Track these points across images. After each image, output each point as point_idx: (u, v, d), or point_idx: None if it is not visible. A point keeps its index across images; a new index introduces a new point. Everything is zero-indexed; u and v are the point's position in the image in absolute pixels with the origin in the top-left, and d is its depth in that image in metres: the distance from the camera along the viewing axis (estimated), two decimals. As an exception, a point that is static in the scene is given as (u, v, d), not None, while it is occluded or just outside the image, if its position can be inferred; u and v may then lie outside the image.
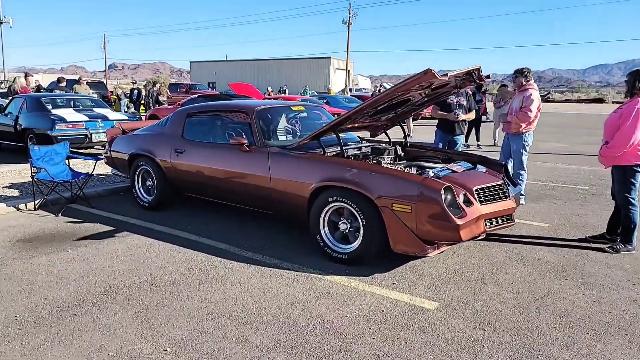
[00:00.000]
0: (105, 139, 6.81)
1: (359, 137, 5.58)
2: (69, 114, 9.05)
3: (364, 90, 34.74)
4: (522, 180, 6.07)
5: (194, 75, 54.04)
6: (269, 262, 4.03)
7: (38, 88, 13.85)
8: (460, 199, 3.74)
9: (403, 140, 5.21)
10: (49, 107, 9.26)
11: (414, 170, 4.43)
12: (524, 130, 5.83)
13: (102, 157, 6.08)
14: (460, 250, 4.33)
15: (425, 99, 4.70)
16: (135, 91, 18.18)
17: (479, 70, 4.10)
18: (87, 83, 20.67)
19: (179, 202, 5.72)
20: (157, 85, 15.97)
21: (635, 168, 4.22)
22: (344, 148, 4.64)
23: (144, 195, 5.67)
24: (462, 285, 3.59)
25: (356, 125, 4.70)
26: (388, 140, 5.25)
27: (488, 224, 3.87)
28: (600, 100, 56.19)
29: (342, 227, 4.00)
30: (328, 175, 4.01)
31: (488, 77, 4.67)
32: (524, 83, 5.77)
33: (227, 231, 4.82)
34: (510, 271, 3.88)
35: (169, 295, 3.37)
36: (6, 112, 10.01)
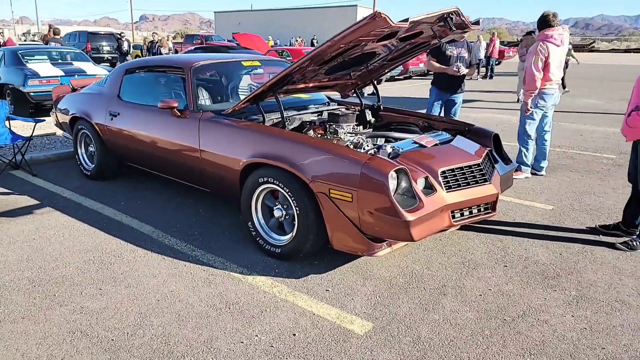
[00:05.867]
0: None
1: (329, 98, 4.70)
2: (44, 68, 8.40)
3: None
4: (525, 151, 5.13)
5: (219, 27, 52.61)
6: (190, 253, 3.32)
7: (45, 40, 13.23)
8: (419, 185, 2.89)
9: (376, 103, 4.31)
10: (25, 60, 8.63)
11: (379, 142, 3.58)
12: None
13: (42, 119, 5.42)
14: (430, 242, 3.50)
15: (400, 51, 3.76)
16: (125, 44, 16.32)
17: (456, 14, 3.12)
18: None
19: (131, 172, 5.04)
20: (155, 37, 15.09)
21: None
22: (296, 114, 3.83)
23: (87, 162, 5.01)
24: (415, 296, 2.80)
25: (311, 85, 3.82)
26: (360, 102, 4.35)
27: (458, 215, 3.02)
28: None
29: (277, 213, 3.23)
30: (259, 150, 3.21)
31: (477, 23, 3.69)
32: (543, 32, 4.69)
33: (162, 211, 4.12)
34: (485, 275, 3.05)
35: (41, 301, 2.71)
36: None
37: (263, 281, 2.95)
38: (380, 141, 3.68)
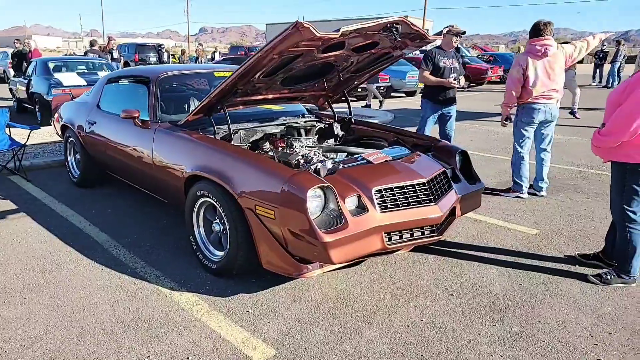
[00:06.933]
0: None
1: (308, 109, 4.58)
2: (69, 78, 8.79)
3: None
4: (518, 169, 4.78)
5: (269, 38, 53.72)
6: (131, 265, 3.28)
7: (111, 51, 13.99)
8: (351, 204, 2.71)
9: (347, 116, 4.15)
10: (53, 70, 9.06)
11: (337, 157, 3.44)
12: (518, 103, 4.55)
13: (37, 126, 5.60)
14: (381, 264, 3.29)
15: (362, 62, 3.60)
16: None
17: (405, 24, 2.92)
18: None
19: (115, 181, 5.11)
20: (199, 48, 15.58)
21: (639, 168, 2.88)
22: (259, 126, 3.76)
23: (75, 169, 5.13)
24: (337, 323, 2.61)
25: (270, 97, 3.71)
26: (332, 114, 4.21)
27: (396, 237, 2.81)
28: None
29: (216, 228, 3.13)
30: (198, 162, 3.14)
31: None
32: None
33: (127, 220, 4.12)
34: (424, 304, 2.81)
35: (-36, 307, 2.74)
36: (26, 75, 10.06)
37: (188, 298, 2.86)
38: (341, 156, 3.53)
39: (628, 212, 2.95)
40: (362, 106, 12.32)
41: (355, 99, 13.16)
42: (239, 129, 3.61)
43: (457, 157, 3.48)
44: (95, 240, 3.68)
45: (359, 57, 3.45)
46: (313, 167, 2.98)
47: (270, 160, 2.89)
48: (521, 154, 4.72)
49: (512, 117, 4.78)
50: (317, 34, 2.56)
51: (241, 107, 3.69)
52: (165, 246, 3.59)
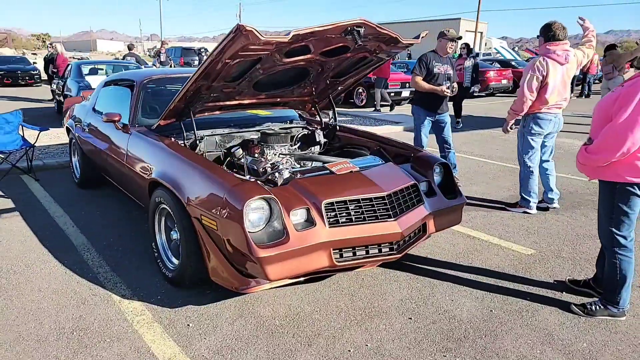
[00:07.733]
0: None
1: (300, 115, 4.45)
2: (99, 81, 9.06)
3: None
4: (526, 183, 4.43)
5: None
6: (95, 269, 3.26)
7: (158, 55, 14.53)
8: (297, 217, 2.56)
9: (332, 123, 3.98)
10: (85, 73, 9.41)
11: (314, 166, 3.29)
12: (527, 113, 4.19)
13: (47, 127, 5.76)
14: (347, 280, 3.10)
15: (341, 67, 3.43)
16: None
17: (366, 26, 2.74)
18: None
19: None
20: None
21: (630, 188, 2.55)
22: (236, 132, 3.68)
23: (78, 170, 5.23)
24: (275, 343, 2.45)
25: (246, 102, 3.60)
26: (319, 120, 4.07)
27: (348, 254, 2.62)
28: None
29: (174, 236, 3.06)
30: (157, 168, 3.08)
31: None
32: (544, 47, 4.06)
33: (112, 222, 4.13)
34: (377, 327, 2.60)
35: None
36: (64, 77, 10.52)
37: (135, 307, 2.79)
38: (317, 164, 3.38)
39: (617, 237, 2.62)
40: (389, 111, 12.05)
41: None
42: (212, 135, 3.53)
43: (436, 169, 3.24)
44: (71, 243, 3.70)
45: (335, 62, 3.28)
46: (277, 175, 2.86)
47: (219, 169, 2.78)
48: (530, 168, 4.37)
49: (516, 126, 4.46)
50: (262, 38, 2.43)
51: (217, 112, 3.61)
52: (137, 251, 3.55)
